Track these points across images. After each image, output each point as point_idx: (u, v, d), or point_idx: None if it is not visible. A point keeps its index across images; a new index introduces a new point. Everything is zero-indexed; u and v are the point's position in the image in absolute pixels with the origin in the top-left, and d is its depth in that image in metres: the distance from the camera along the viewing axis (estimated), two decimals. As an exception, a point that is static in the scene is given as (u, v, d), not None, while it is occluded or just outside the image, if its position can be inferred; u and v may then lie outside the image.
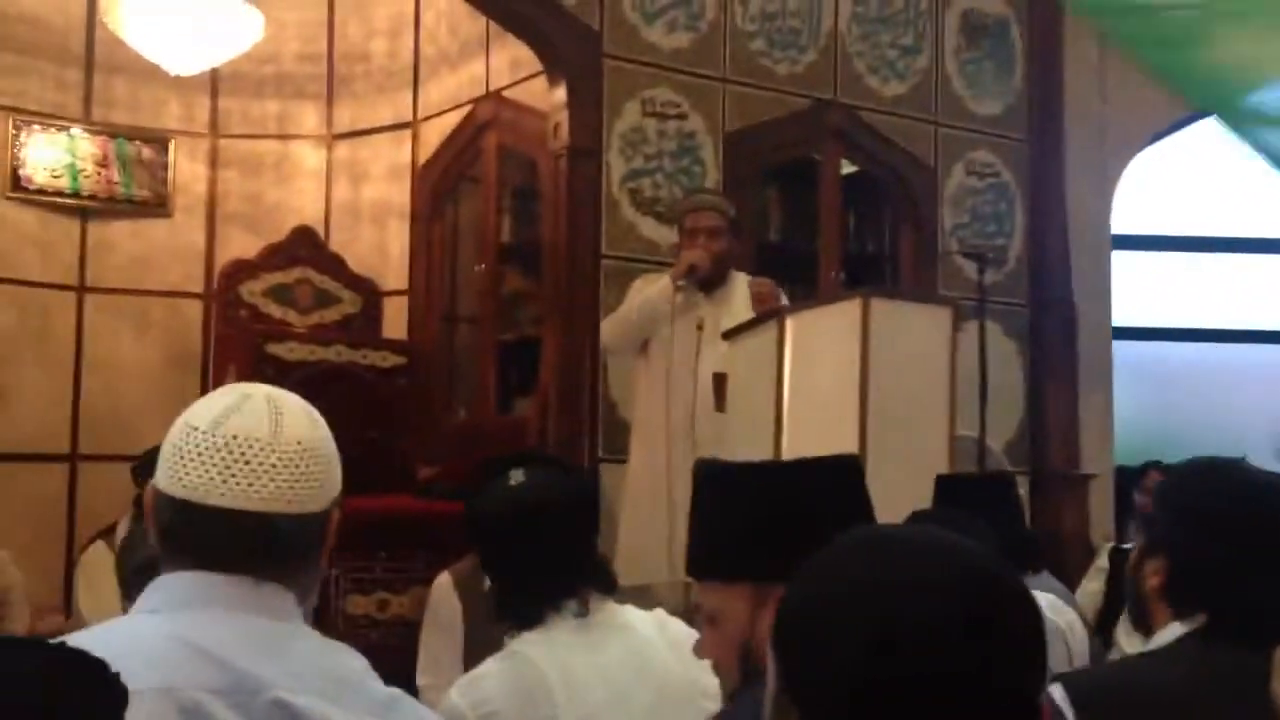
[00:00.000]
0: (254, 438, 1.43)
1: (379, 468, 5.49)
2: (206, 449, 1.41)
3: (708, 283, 4.43)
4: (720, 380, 3.99)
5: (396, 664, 4.08)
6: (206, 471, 1.41)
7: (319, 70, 6.43)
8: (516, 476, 2.13)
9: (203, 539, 1.43)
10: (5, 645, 1.12)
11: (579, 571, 2.11)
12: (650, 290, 4.45)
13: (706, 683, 1.85)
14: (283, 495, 1.43)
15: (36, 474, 5.93)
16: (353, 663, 1.49)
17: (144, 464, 4.24)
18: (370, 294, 6.13)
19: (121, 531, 4.19)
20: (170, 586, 1.45)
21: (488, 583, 2.13)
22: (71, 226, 6.12)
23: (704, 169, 5.19)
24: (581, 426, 4.98)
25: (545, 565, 2.07)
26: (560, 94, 5.13)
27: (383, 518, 4.93)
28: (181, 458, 1.42)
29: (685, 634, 2.05)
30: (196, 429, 1.43)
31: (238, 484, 1.41)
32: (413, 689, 3.98)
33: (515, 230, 5.84)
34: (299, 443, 1.45)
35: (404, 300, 6.16)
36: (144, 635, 1.40)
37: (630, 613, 2.15)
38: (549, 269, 5.25)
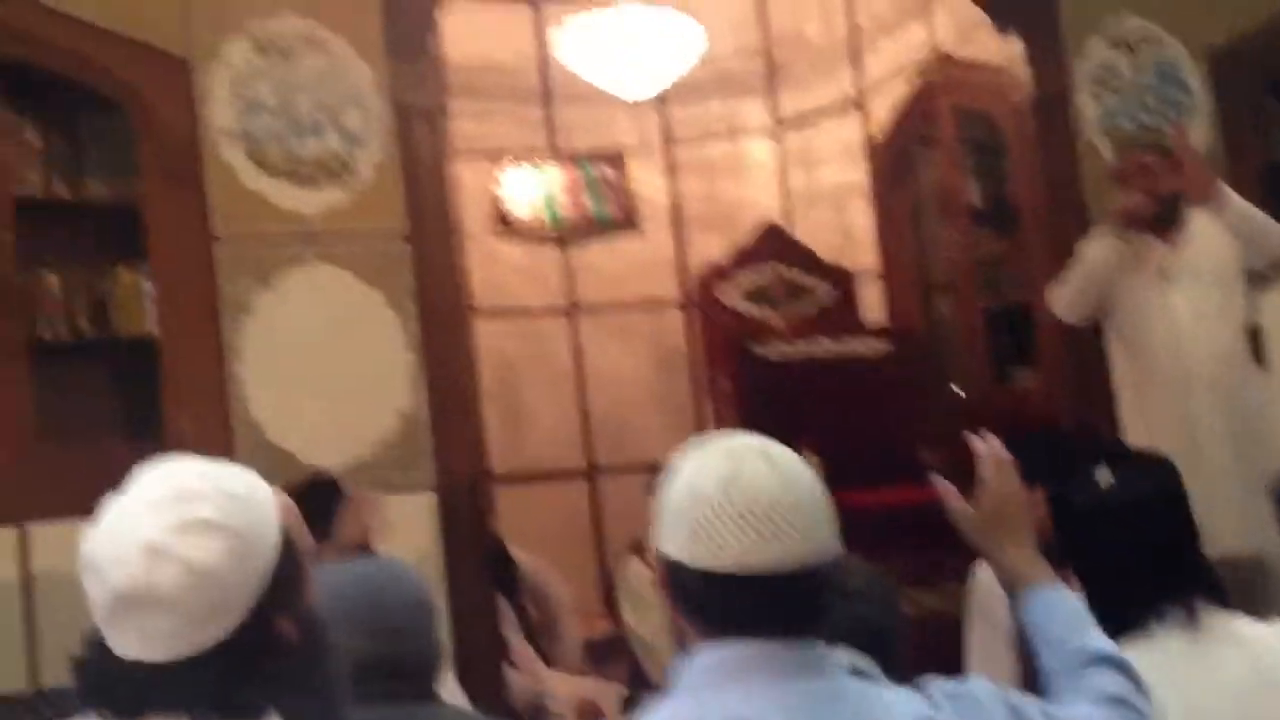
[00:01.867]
0: (770, 496, 1.39)
1: (880, 457, 5.45)
2: (728, 516, 1.38)
3: (1157, 225, 4.02)
4: (1255, 333, 3.60)
5: (941, 663, 4.03)
6: (736, 540, 1.38)
7: (757, 63, 6.46)
8: (1104, 474, 1.99)
9: (739, 608, 1.40)
10: None
11: (1183, 575, 1.93)
12: (1091, 248, 4.08)
13: None
14: (811, 548, 1.40)
15: (558, 490, 6.31)
16: (909, 703, 1.44)
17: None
18: (843, 280, 6.08)
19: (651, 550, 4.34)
20: (707, 662, 1.43)
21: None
22: (554, 253, 6.48)
23: (1191, 96, 4.76)
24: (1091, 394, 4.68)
25: (1144, 568, 1.91)
26: (1013, 43, 4.86)
27: (891, 509, 4.87)
28: (701, 528, 1.39)
29: None
30: (708, 497, 1.40)
31: (770, 548, 1.38)
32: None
33: (984, 192, 5.62)
34: (808, 490, 1.43)
35: (877, 282, 6.08)
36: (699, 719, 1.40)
37: (1246, 624, 1.94)
38: (1028, 228, 5.00)
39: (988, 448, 1.77)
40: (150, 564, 1.27)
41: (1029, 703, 1.51)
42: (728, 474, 1.40)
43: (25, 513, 3.58)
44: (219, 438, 3.73)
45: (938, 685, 1.48)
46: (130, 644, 1.30)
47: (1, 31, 3.67)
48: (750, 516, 1.38)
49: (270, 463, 3.74)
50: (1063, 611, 1.66)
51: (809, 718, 1.38)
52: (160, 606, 1.27)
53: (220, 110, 3.82)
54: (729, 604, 1.40)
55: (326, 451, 3.80)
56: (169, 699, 1.30)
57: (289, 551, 1.37)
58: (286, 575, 1.36)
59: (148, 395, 3.87)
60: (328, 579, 2.10)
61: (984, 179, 5.59)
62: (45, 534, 3.58)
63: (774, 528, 1.38)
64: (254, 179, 3.83)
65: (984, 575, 3.93)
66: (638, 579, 4.29)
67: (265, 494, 1.38)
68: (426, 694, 2.01)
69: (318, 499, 3.17)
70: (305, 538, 1.42)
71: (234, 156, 3.82)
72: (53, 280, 3.79)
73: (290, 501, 1.42)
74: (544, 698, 4.48)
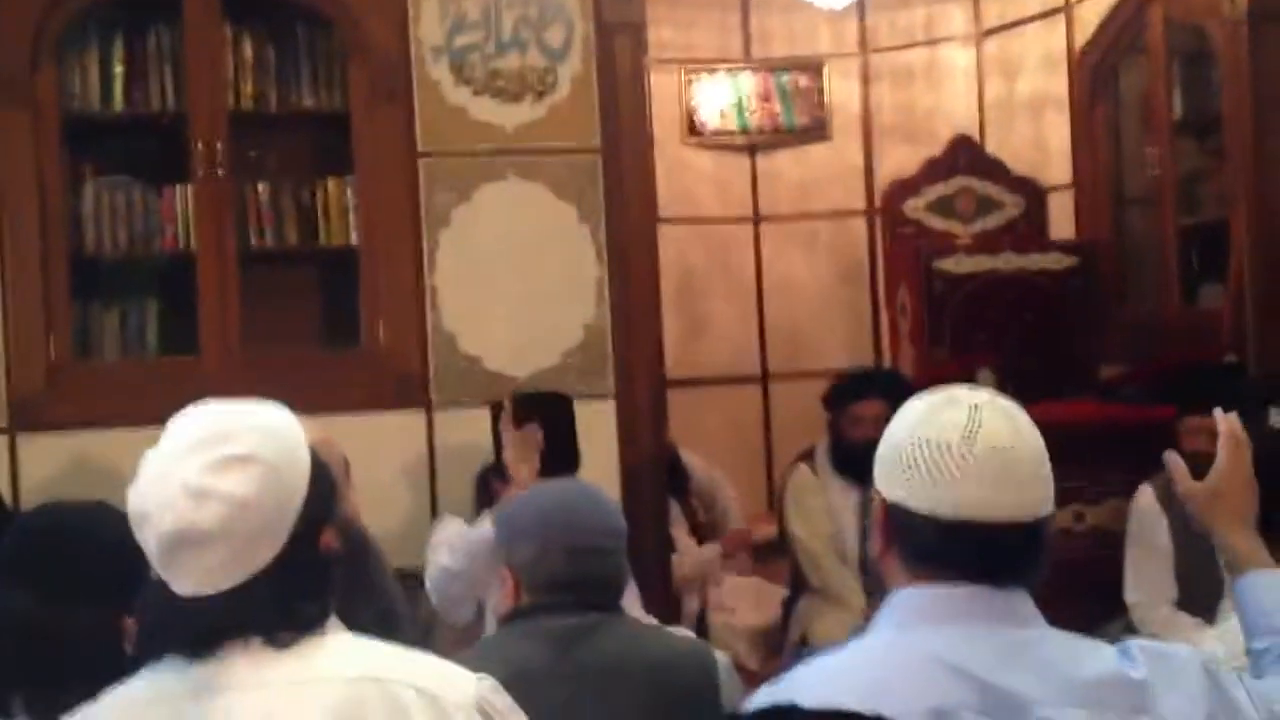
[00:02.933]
0: (1006, 447, 1.44)
1: (1059, 373, 5.37)
2: (969, 466, 1.43)
3: None
4: None
5: (1097, 575, 4.03)
6: (976, 489, 1.42)
7: (962, -33, 6.29)
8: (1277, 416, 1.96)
9: (966, 554, 1.44)
10: None
11: None
12: None
13: None
14: (1040, 500, 1.45)
15: (733, 395, 6.39)
16: (1103, 659, 1.45)
17: (831, 395, 4.38)
18: (1033, 193, 5.94)
19: (821, 454, 4.38)
20: (914, 602, 1.47)
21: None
22: (742, 162, 6.48)
23: None
24: (1283, 315, 4.53)
25: None
26: (1231, -44, 4.64)
27: (1070, 425, 4.80)
28: (942, 477, 1.43)
29: None
30: (947, 445, 1.43)
31: (1008, 498, 1.43)
32: (1120, 604, 3.90)
33: (1188, 106, 5.40)
34: (1038, 445, 1.47)
35: (1069, 195, 5.92)
36: (901, 657, 1.43)
37: None
38: (1233, 145, 4.81)
39: (1228, 427, 1.76)
40: (193, 504, 1.37)
41: (1228, 673, 1.52)
42: (967, 425, 1.44)
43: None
44: (413, 346, 3.89)
45: (1138, 644, 1.49)
46: (187, 582, 1.40)
47: (221, -51, 3.81)
48: (988, 466, 1.42)
49: (459, 370, 3.89)
50: (1276, 596, 1.67)
51: (1016, 664, 1.41)
52: (210, 541, 1.37)
53: (428, 27, 3.89)
54: (956, 549, 1.44)
55: (514, 361, 3.92)
56: (235, 624, 1.40)
57: (318, 470, 1.47)
58: (320, 493, 1.46)
59: (347, 303, 4.04)
60: (531, 499, 2.24)
61: (1189, 93, 5.39)
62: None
63: (1011, 479, 1.43)
64: (457, 95, 3.91)
65: (1145, 499, 3.90)
66: (801, 483, 4.34)
67: (290, 421, 1.48)
68: (613, 607, 2.16)
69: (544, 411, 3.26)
70: (335, 456, 1.51)
71: (439, 72, 3.90)
72: (263, 190, 3.95)
73: (312, 423, 1.52)
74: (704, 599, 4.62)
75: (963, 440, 1.43)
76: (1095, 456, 4.69)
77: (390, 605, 1.72)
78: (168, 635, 1.43)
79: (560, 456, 3.12)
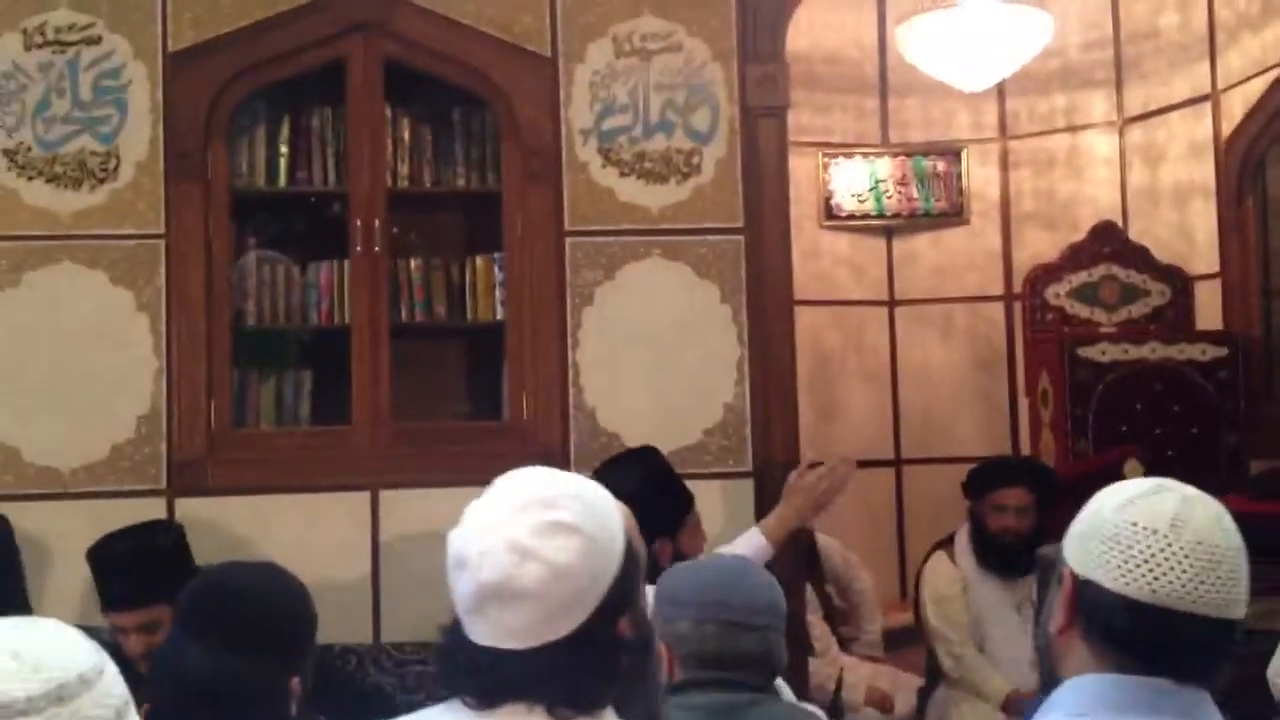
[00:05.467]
0: (1214, 543, 1.44)
1: (1207, 466, 5.24)
2: (1174, 554, 1.43)
3: None
4: None
5: (1247, 677, 3.89)
6: (1180, 577, 1.42)
7: (1105, 55, 6.25)
8: None
9: (1160, 642, 1.44)
10: None
11: None
12: None
13: None
14: (1236, 599, 1.45)
15: (868, 479, 6.33)
16: None
17: (973, 482, 4.35)
18: (1179, 282, 5.84)
19: (961, 542, 4.33)
20: (1093, 688, 1.45)
21: None
22: (878, 245, 6.48)
23: None
24: None
25: None
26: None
27: (1221, 522, 4.70)
28: (1146, 560, 1.43)
29: None
30: (1155, 531, 1.44)
31: (1210, 590, 1.42)
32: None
33: (1339, 197, 5.29)
34: (1241, 546, 1.47)
35: (1216, 284, 5.80)
36: None
37: None
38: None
39: None
40: (516, 559, 1.40)
41: None
42: (1177, 514, 1.45)
43: (379, 480, 3.88)
44: (555, 421, 3.94)
45: None
46: (489, 633, 1.42)
47: (387, 34, 3.96)
48: (1194, 558, 1.43)
49: (599, 446, 3.94)
50: None
51: None
52: (523, 600, 1.40)
53: (578, 110, 3.99)
54: (1145, 635, 1.44)
55: (654, 437, 3.94)
56: (523, 687, 1.42)
57: (631, 555, 1.48)
58: (629, 577, 1.47)
59: (493, 377, 4.12)
60: (686, 571, 2.25)
61: (1340, 183, 5.28)
62: (393, 500, 3.88)
63: (1212, 574, 1.43)
64: (604, 175, 3.99)
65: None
66: (941, 575, 4.29)
67: (611, 502, 1.50)
68: (767, 686, 2.15)
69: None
70: (641, 544, 1.53)
71: (588, 154, 3.99)
72: (415, 265, 4.07)
73: (628, 510, 1.53)
74: (839, 682, 4.56)
75: (1171, 528, 1.44)
76: (1250, 553, 4.55)
77: (658, 708, 1.74)
78: (460, 678, 1.46)
79: None
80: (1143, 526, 1.45)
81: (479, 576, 1.41)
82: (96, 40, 3.82)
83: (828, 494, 3.60)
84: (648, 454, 3.58)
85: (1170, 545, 1.43)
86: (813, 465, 3.63)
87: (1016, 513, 4.15)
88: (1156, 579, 1.43)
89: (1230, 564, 1.45)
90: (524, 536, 1.41)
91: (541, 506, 1.43)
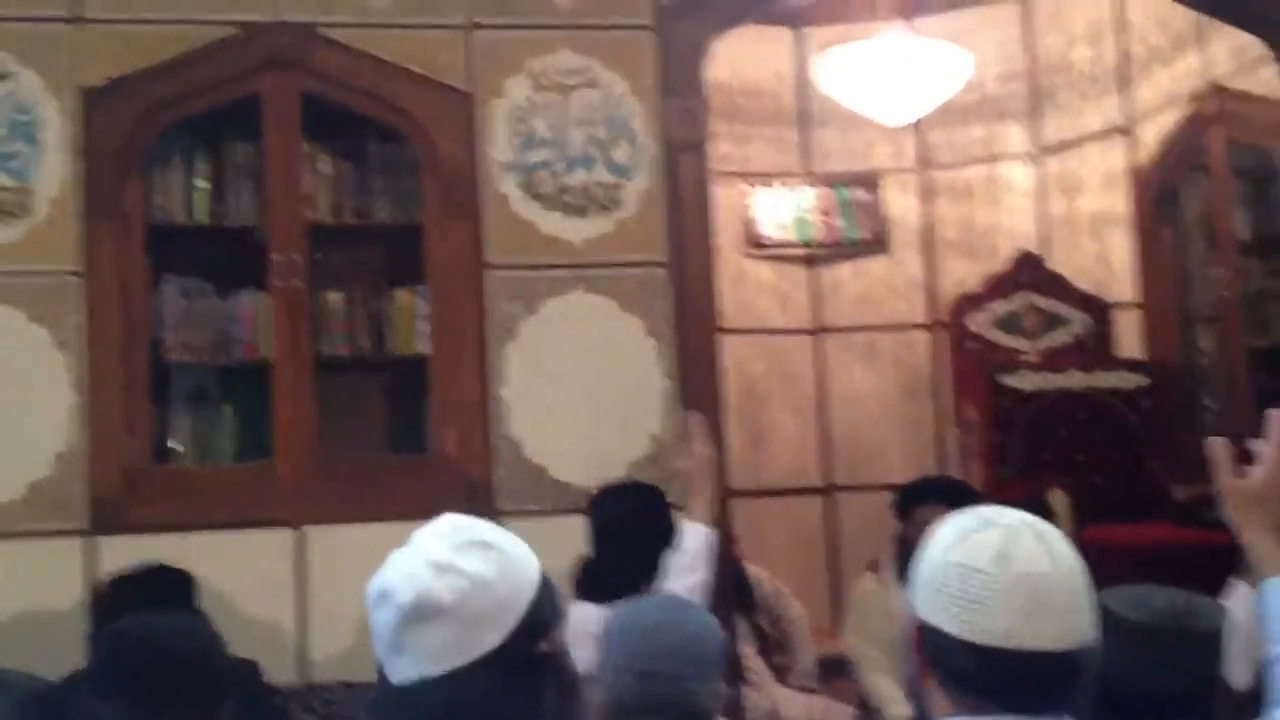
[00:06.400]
0: (1043, 574, 1.40)
1: (1130, 494, 5.32)
2: (1001, 592, 1.39)
3: None
4: None
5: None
6: (1008, 616, 1.38)
7: (1020, 88, 6.38)
8: None
9: (1001, 682, 1.40)
10: None
11: None
12: None
13: None
14: (1077, 629, 1.40)
15: (795, 507, 6.37)
16: None
17: (898, 501, 4.36)
18: (1099, 311, 5.95)
19: (885, 562, 4.35)
20: None
21: None
22: (801, 274, 6.54)
23: None
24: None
25: None
26: (1291, 76, 4.67)
27: (1144, 548, 4.76)
28: (974, 603, 1.40)
29: None
30: (979, 570, 1.40)
31: (1040, 626, 1.38)
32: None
33: (1254, 226, 5.41)
34: (1077, 570, 1.43)
35: (1135, 312, 5.91)
36: None
37: None
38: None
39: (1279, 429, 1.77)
40: (434, 574, 1.42)
41: None
42: (1001, 548, 1.41)
43: (304, 516, 3.84)
44: (480, 455, 3.92)
45: None
46: (411, 664, 1.42)
47: (305, 70, 3.94)
48: (1021, 593, 1.38)
49: (526, 479, 3.93)
50: None
51: None
52: (441, 615, 1.41)
53: (499, 144, 4.00)
54: (991, 677, 1.40)
55: (581, 470, 3.95)
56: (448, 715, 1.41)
57: (549, 582, 1.51)
58: (547, 602, 1.49)
59: (417, 411, 4.10)
60: (616, 618, 2.14)
61: (1255, 213, 5.40)
62: (319, 536, 3.84)
63: (1045, 607, 1.38)
64: (526, 209, 4.00)
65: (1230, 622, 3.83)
66: (866, 594, 4.31)
67: (521, 542, 1.53)
68: None
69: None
70: (557, 589, 1.54)
71: (509, 187, 4.00)
72: (336, 299, 4.05)
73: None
74: (775, 715, 4.56)
75: (996, 564, 1.40)
76: (1172, 580, 4.61)
77: None
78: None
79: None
80: (969, 566, 1.41)
81: (400, 600, 1.42)
82: (6, 76, 3.77)
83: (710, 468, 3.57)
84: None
85: (997, 583, 1.39)
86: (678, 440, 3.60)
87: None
88: (988, 619, 1.39)
89: (1064, 592, 1.40)
90: (443, 554, 1.44)
91: (457, 530, 1.48)
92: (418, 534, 1.49)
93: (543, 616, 1.47)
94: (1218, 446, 1.80)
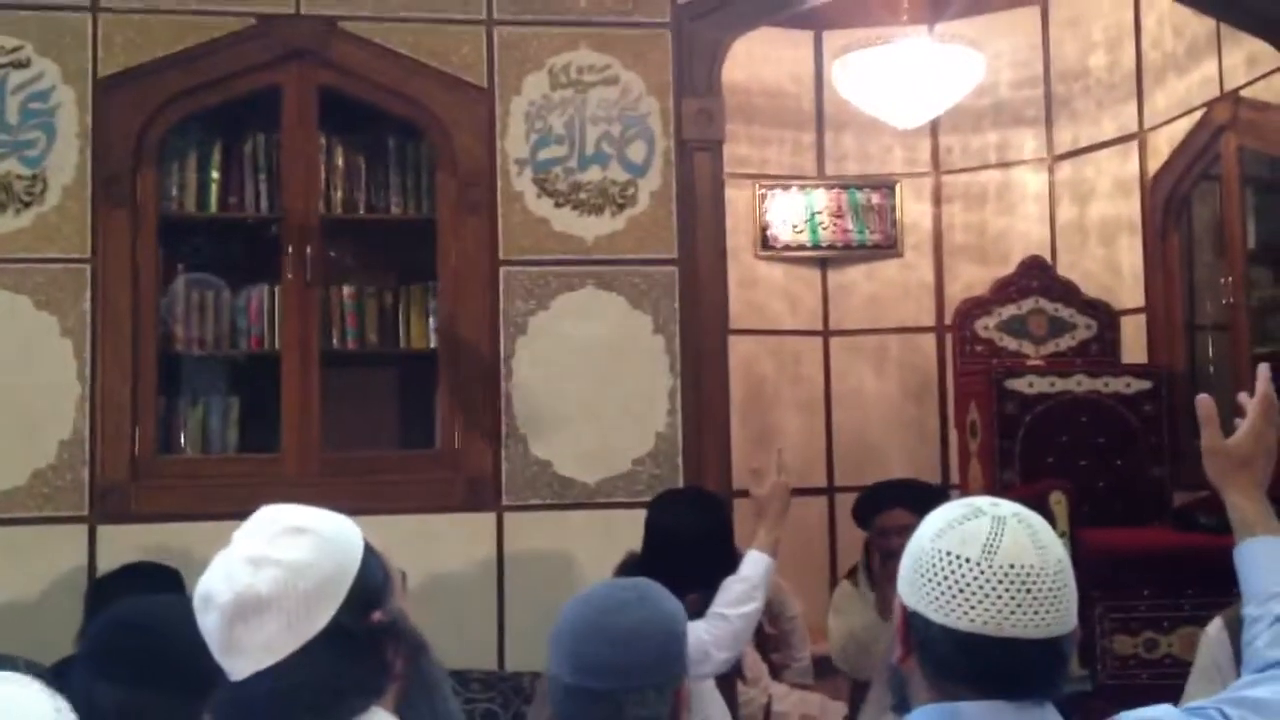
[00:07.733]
0: (1026, 564, 1.43)
1: (1132, 499, 5.32)
2: (986, 581, 1.42)
3: None
4: None
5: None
6: (993, 605, 1.41)
7: (1036, 94, 6.37)
8: None
9: (987, 669, 1.43)
10: None
11: None
12: None
13: None
14: (1060, 617, 1.43)
15: (798, 507, 6.33)
16: None
17: (858, 510, 4.31)
18: (1106, 316, 5.95)
19: (860, 568, 4.34)
20: (959, 717, 1.46)
21: None
22: (813, 276, 6.54)
23: None
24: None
25: None
26: (1309, 87, 4.67)
27: (1143, 552, 4.77)
28: (960, 591, 1.43)
29: None
30: (966, 560, 1.43)
31: (1025, 615, 1.41)
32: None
33: (1263, 235, 5.41)
34: (1061, 560, 1.46)
35: (1141, 318, 5.91)
36: None
37: None
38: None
39: (1265, 388, 1.79)
40: (252, 570, 1.45)
41: None
42: (988, 539, 1.44)
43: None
44: (486, 449, 3.94)
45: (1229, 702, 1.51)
46: (246, 661, 1.46)
47: (324, 63, 3.95)
48: (1006, 583, 1.42)
49: (531, 475, 3.94)
50: (1273, 563, 1.70)
51: None
52: (265, 609, 1.44)
53: (514, 141, 4.01)
54: (973, 664, 1.43)
55: (586, 466, 3.96)
56: (289, 709, 1.45)
57: (373, 555, 1.54)
58: (374, 574, 1.53)
59: (424, 406, 4.11)
60: (566, 610, 1.92)
61: (1263, 221, 5.40)
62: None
63: (1030, 596, 1.41)
64: (540, 206, 4.01)
65: (1215, 631, 3.84)
66: (842, 595, 4.31)
67: (344, 518, 1.56)
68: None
69: None
70: (392, 568, 1.57)
71: (523, 184, 4.01)
72: (347, 293, 4.05)
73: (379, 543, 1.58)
74: (768, 710, 4.57)
75: (983, 554, 1.43)
76: (1170, 584, 4.63)
77: (446, 706, 1.73)
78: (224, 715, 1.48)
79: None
80: (955, 555, 1.44)
81: (221, 601, 1.45)
82: (25, 64, 3.79)
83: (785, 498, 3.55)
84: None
85: (983, 573, 1.42)
86: (754, 471, 3.59)
87: (899, 534, 4.13)
88: (973, 608, 1.42)
89: (1048, 584, 1.43)
90: (258, 548, 1.47)
91: (269, 522, 1.51)
92: (235, 533, 1.52)
93: (370, 588, 1.51)
94: (1206, 404, 1.80)
